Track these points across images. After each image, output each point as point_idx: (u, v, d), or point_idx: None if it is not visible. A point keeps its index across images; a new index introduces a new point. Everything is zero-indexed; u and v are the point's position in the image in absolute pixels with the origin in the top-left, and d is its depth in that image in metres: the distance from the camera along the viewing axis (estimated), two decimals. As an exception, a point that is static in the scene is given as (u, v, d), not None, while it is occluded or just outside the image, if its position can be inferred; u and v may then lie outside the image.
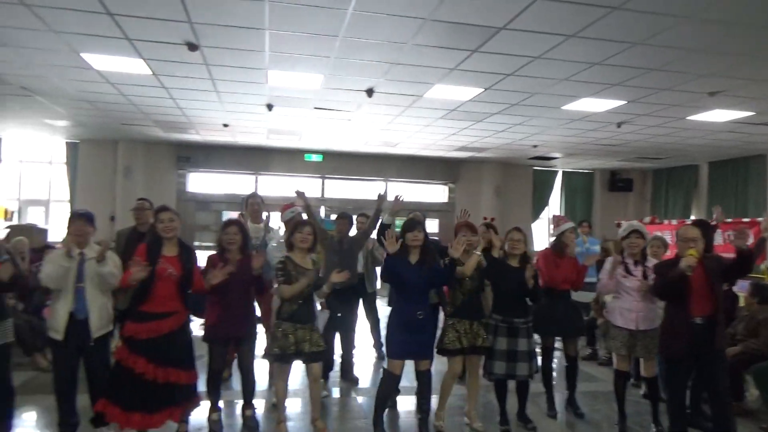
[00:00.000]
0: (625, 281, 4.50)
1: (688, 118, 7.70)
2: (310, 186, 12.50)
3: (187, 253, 4.13)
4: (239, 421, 4.50)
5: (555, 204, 13.95)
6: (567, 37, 4.84)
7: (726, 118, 7.68)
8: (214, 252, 4.39)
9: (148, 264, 3.90)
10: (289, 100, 7.42)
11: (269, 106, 7.73)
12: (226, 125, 9.33)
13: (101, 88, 7.09)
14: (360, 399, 5.33)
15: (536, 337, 4.68)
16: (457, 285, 4.36)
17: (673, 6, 4.17)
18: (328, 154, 12.29)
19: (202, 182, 12.36)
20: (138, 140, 11.40)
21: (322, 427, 4.32)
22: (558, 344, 5.16)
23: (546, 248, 5.19)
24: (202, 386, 4.30)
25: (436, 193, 13.51)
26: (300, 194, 5.47)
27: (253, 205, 5.62)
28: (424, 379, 4.31)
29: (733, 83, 6.07)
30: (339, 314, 5.21)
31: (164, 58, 5.76)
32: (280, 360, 4.19)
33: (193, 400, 4.15)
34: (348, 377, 5.73)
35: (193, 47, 5.29)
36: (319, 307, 4.55)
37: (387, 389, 4.36)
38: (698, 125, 8.17)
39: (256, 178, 12.48)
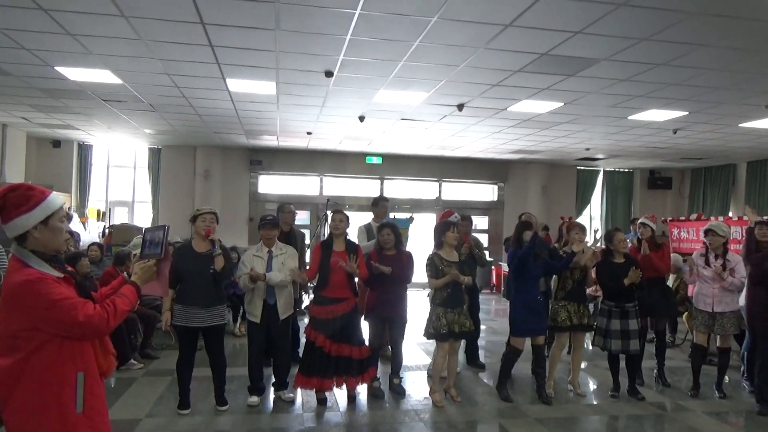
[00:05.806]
0: (705, 272, 5.39)
1: (740, 125, 8.52)
2: (370, 186, 13.48)
3: (352, 248, 5.03)
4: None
5: (596, 202, 14.79)
6: (654, 66, 5.70)
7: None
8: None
9: (322, 258, 4.85)
10: (382, 112, 8.31)
11: (361, 118, 8.63)
12: (309, 133, 10.25)
13: (221, 105, 8.04)
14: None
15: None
16: (568, 274, 5.26)
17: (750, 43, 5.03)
18: (387, 157, 13.21)
19: (271, 184, 13.33)
20: (216, 146, 12.38)
21: (455, 394, 5.22)
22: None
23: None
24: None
25: (486, 192, 14.39)
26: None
27: (383, 207, 6.46)
28: (541, 351, 5.23)
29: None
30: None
31: (296, 82, 6.68)
32: (436, 338, 5.04)
33: (369, 372, 5.02)
34: (476, 363, 6.45)
35: (329, 74, 6.22)
36: None
37: (511, 361, 5.24)
38: (747, 131, 8.97)
39: (321, 179, 13.43)
